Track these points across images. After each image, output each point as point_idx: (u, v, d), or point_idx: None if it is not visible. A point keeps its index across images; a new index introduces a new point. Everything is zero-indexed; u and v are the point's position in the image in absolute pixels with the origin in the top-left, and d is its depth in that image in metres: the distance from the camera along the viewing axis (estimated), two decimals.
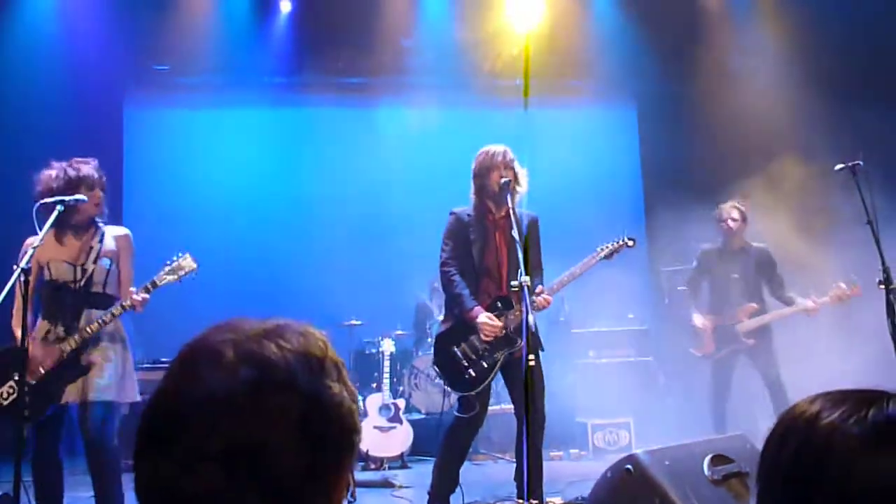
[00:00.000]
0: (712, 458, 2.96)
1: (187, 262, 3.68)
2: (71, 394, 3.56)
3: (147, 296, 3.62)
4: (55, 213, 3.52)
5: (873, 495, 0.82)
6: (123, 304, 3.61)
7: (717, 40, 7.60)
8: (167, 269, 3.67)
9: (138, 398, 3.80)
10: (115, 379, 3.63)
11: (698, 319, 5.48)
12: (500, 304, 4.02)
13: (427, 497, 4.05)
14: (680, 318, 6.69)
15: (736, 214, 5.40)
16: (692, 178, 6.67)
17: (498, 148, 4.11)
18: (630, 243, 4.19)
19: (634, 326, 7.00)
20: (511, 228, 3.80)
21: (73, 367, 3.57)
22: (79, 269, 3.68)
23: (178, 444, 0.77)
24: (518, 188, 4.04)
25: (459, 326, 4.02)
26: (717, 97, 7.39)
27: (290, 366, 0.81)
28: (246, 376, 0.79)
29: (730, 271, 5.44)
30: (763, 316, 5.37)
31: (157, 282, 3.65)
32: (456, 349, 4.00)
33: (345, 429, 0.83)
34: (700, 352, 5.52)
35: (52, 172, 3.68)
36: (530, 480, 3.67)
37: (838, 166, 4.17)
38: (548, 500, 3.87)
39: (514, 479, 4.00)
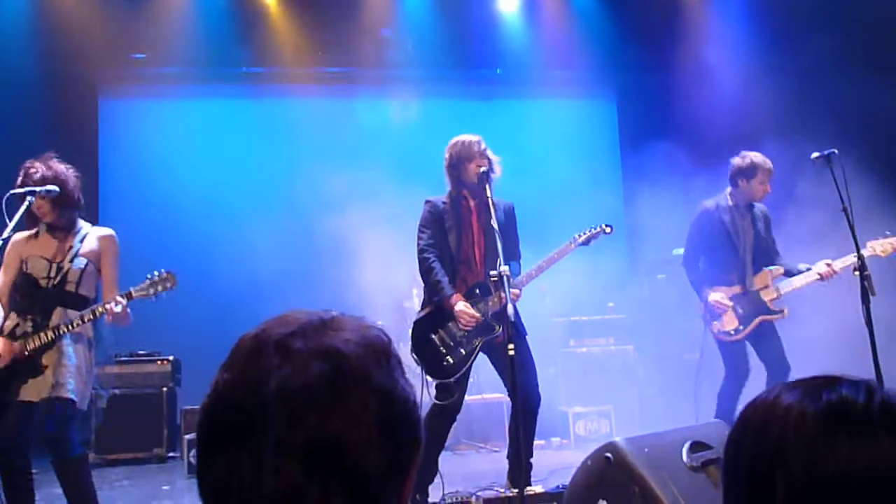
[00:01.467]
0: (691, 445, 2.97)
1: (168, 280, 3.63)
2: (31, 392, 3.48)
3: (123, 302, 3.55)
4: (25, 204, 3.47)
5: (831, 475, 0.83)
6: (96, 310, 3.55)
7: (695, 30, 7.63)
8: (147, 282, 3.61)
9: (86, 404, 3.71)
10: (78, 381, 3.56)
11: (715, 295, 4.65)
12: (478, 291, 4.04)
13: None
14: (662, 307, 6.74)
15: (770, 174, 4.66)
16: (672, 167, 6.69)
17: (472, 137, 4.14)
18: (607, 230, 4.22)
19: (615, 315, 7.04)
20: (488, 216, 3.82)
21: (31, 365, 3.50)
22: (54, 266, 3.63)
23: (256, 440, 0.75)
24: (493, 175, 4.05)
25: (437, 313, 4.03)
26: (696, 87, 7.43)
27: (360, 359, 0.80)
28: (320, 369, 0.77)
29: (742, 232, 4.72)
30: (793, 280, 4.63)
31: (134, 293, 3.59)
32: (433, 336, 4.01)
33: (415, 423, 0.84)
34: (722, 327, 4.65)
35: (38, 164, 3.63)
36: (522, 464, 3.72)
37: (814, 155, 4.21)
38: (528, 488, 3.88)
39: (507, 458, 4.11)
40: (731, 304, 4.62)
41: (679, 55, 7.71)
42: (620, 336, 6.88)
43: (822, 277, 4.53)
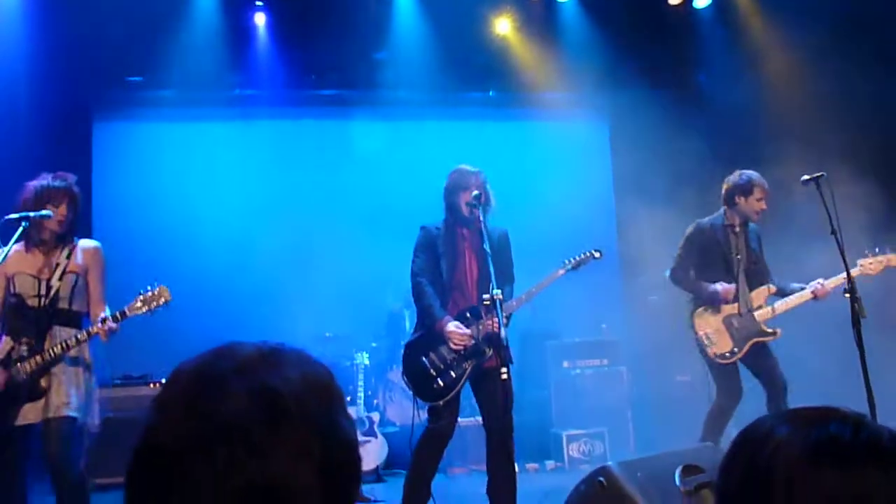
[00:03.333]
0: (683, 469, 2.98)
1: (162, 294, 3.60)
2: (31, 414, 3.47)
3: (115, 325, 3.54)
4: (20, 230, 3.48)
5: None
6: (90, 330, 3.55)
7: (687, 50, 7.72)
8: (140, 299, 3.58)
9: (97, 425, 3.70)
10: (79, 400, 3.55)
11: (720, 285, 4.60)
12: (469, 315, 4.05)
13: None
14: (655, 329, 6.75)
15: (767, 192, 4.68)
16: (665, 188, 6.74)
17: (471, 168, 4.19)
18: (597, 255, 4.25)
19: (608, 337, 7.05)
20: (481, 241, 3.85)
21: (30, 388, 3.49)
22: (43, 283, 3.61)
23: (190, 483, 0.71)
24: (485, 204, 4.08)
25: (429, 336, 4.04)
26: (689, 107, 7.50)
27: (301, 399, 0.77)
28: (259, 411, 0.74)
29: (733, 250, 4.71)
30: (788, 299, 4.62)
31: (127, 312, 3.57)
32: (424, 359, 4.02)
33: (354, 462, 0.82)
34: (718, 350, 4.60)
35: (29, 185, 3.65)
36: (500, 493, 3.69)
37: (804, 178, 4.25)
38: None
39: (487, 493, 4.00)
40: (733, 289, 4.60)
41: (671, 75, 7.79)
42: (614, 357, 6.88)
43: (815, 296, 4.55)
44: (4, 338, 3.59)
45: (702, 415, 4.71)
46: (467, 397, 6.04)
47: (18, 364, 3.49)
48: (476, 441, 6.12)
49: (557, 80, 7.60)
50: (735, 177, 4.73)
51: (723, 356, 4.60)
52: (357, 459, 0.82)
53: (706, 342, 4.65)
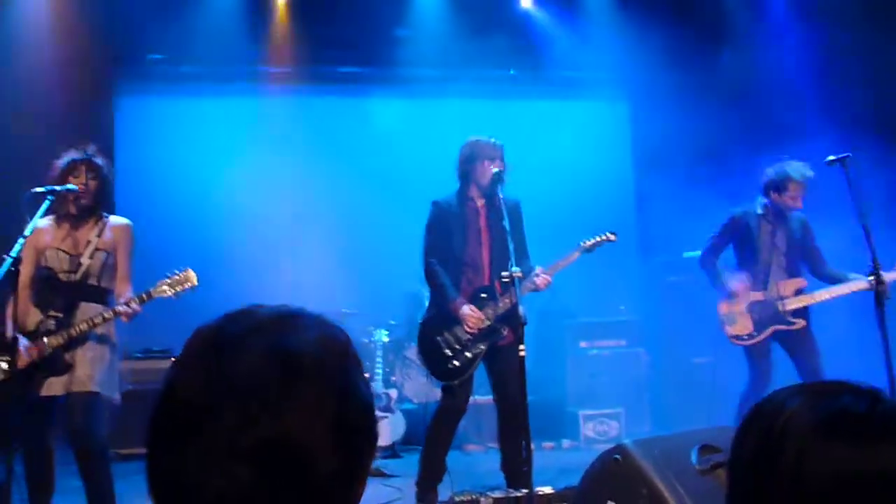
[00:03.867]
0: (700, 448, 2.98)
1: (188, 278, 3.64)
2: (55, 387, 3.54)
3: (139, 308, 3.59)
4: (45, 203, 3.52)
5: (824, 482, 0.84)
6: (115, 310, 3.59)
7: (709, 27, 7.60)
8: (167, 282, 3.62)
9: (118, 399, 3.77)
10: (102, 376, 3.61)
11: (734, 282, 4.66)
12: (483, 295, 4.04)
13: (415, 487, 4.08)
14: (674, 310, 6.73)
15: (803, 189, 4.59)
16: (684, 169, 6.68)
17: (489, 139, 4.14)
18: (612, 237, 4.20)
19: (626, 317, 7.03)
20: (498, 217, 3.83)
21: (56, 362, 3.55)
22: (73, 259, 3.66)
23: (204, 439, 0.73)
24: (504, 178, 4.07)
25: (444, 316, 4.04)
26: (711, 88, 7.39)
27: (317, 358, 0.78)
28: (274, 369, 0.75)
29: (769, 241, 4.68)
30: (817, 293, 4.60)
31: (153, 293, 3.61)
32: (439, 338, 4.02)
33: (370, 425, 0.82)
34: (734, 330, 4.67)
35: (56, 161, 3.70)
36: (514, 469, 3.72)
37: (829, 158, 4.18)
38: (538, 489, 3.89)
39: (501, 469, 4.03)
40: (748, 284, 4.62)
41: (693, 54, 7.68)
42: (632, 338, 6.87)
43: (870, 287, 4.25)
44: (31, 310, 3.65)
45: (719, 397, 4.72)
46: (482, 374, 6.10)
47: (45, 338, 3.55)
48: (492, 418, 6.15)
49: (578, 58, 7.52)
50: (773, 170, 4.67)
51: (738, 338, 4.64)
52: (373, 423, 0.83)
53: (725, 320, 4.69)
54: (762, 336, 4.60)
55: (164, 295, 3.61)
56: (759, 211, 4.73)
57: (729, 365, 5.40)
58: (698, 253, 4.94)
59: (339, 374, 0.79)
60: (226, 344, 0.78)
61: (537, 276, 3.96)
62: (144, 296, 3.60)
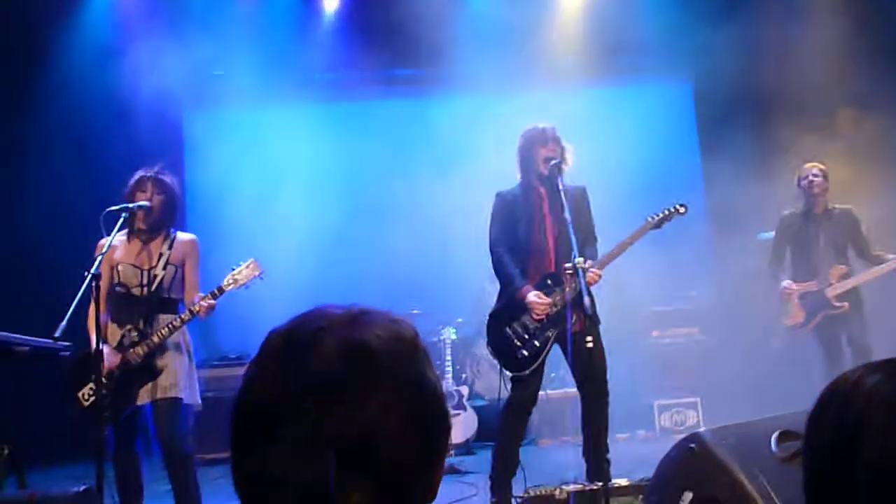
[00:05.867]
0: (780, 435, 2.88)
1: (252, 268, 3.77)
2: (142, 396, 3.71)
3: (213, 302, 3.72)
4: (120, 220, 3.68)
5: None
6: (192, 308, 3.72)
7: (773, 6, 7.34)
8: (233, 275, 3.76)
9: (199, 404, 3.92)
10: (184, 381, 3.76)
11: (786, 282, 5.20)
12: (550, 282, 4.02)
13: (489, 481, 4.09)
14: (748, 295, 6.53)
15: (817, 171, 5.13)
16: (753, 148, 6.48)
17: (544, 124, 4.11)
18: (682, 210, 4.09)
19: (698, 305, 6.87)
20: (560, 205, 3.80)
21: (146, 370, 3.71)
22: (146, 273, 3.81)
23: (289, 432, 0.76)
24: (564, 166, 4.02)
25: (511, 306, 4.03)
26: (776, 66, 7.14)
27: (389, 352, 0.81)
28: (350, 364, 0.78)
29: (814, 237, 5.15)
30: (857, 277, 5.08)
31: (224, 288, 3.75)
32: (508, 329, 4.01)
33: (443, 414, 0.85)
34: (790, 321, 5.21)
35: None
36: (595, 459, 3.69)
37: None
38: (614, 481, 3.85)
39: (583, 456, 4.02)
40: (796, 289, 5.15)
41: (756, 33, 7.43)
42: (705, 325, 6.71)
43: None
44: (110, 325, 3.81)
45: (798, 384, 4.75)
46: (554, 369, 6.05)
47: (132, 350, 3.71)
48: (565, 413, 6.12)
49: (639, 44, 7.38)
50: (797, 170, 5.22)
51: (793, 327, 5.19)
52: (446, 412, 0.85)
53: (782, 313, 5.25)
54: (813, 322, 5.09)
55: (233, 287, 3.74)
56: (798, 210, 5.23)
57: (807, 349, 5.23)
58: (772, 234, 5.37)
59: (410, 367, 0.82)
60: (299, 342, 0.81)
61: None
62: (217, 291, 3.74)
